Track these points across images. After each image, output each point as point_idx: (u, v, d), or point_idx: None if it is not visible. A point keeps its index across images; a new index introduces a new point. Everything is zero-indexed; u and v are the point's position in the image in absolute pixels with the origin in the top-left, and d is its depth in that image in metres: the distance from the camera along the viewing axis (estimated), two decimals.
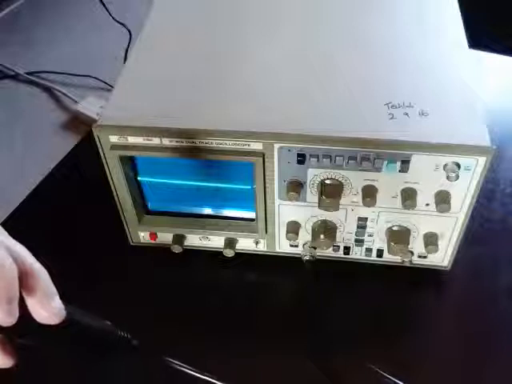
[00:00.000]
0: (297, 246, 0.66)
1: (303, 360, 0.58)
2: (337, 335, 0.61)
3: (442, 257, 0.64)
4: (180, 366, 0.51)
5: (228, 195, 0.63)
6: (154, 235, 0.67)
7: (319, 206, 0.58)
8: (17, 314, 0.35)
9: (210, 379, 0.52)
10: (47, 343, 0.41)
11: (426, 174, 0.55)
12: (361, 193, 0.58)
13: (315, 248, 0.64)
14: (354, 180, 0.57)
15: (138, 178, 0.63)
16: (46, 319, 0.37)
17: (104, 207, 0.65)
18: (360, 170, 0.56)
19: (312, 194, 0.59)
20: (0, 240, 0.36)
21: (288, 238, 0.64)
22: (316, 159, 0.55)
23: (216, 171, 0.61)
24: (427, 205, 0.58)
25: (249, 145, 0.56)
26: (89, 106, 1.39)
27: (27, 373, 0.51)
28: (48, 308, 0.37)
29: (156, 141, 0.57)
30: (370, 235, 0.63)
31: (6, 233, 0.38)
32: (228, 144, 0.56)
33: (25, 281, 0.36)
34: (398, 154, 0.54)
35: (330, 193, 0.57)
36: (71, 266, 0.67)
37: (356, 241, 0.64)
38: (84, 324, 0.43)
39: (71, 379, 0.58)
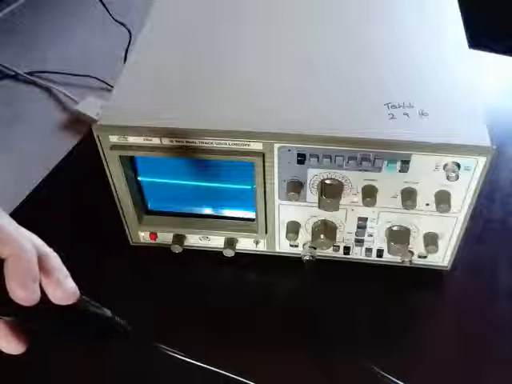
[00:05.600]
0: (297, 246, 0.66)
1: (303, 360, 0.59)
2: (337, 335, 0.61)
3: (442, 257, 0.64)
4: (174, 352, 0.50)
5: (228, 195, 0.63)
6: (153, 235, 0.67)
7: (319, 206, 0.58)
8: (39, 293, 0.36)
9: (204, 365, 0.51)
10: (45, 327, 0.42)
11: (426, 173, 0.55)
12: (361, 193, 0.58)
13: (315, 248, 0.64)
14: (354, 180, 0.57)
15: (138, 178, 0.63)
16: (61, 299, 0.39)
17: (104, 207, 0.65)
18: (360, 170, 0.56)
19: (312, 194, 0.59)
20: (15, 227, 0.37)
21: (288, 238, 0.64)
22: (316, 159, 0.55)
23: (216, 171, 0.61)
24: (427, 205, 0.58)
25: (249, 145, 0.56)
26: (89, 105, 1.40)
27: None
28: (64, 288, 0.38)
29: (156, 141, 0.57)
30: (370, 235, 0.63)
31: (15, 221, 0.39)
32: (228, 144, 0.56)
33: (40, 263, 0.37)
34: (398, 154, 0.54)
35: (330, 193, 0.57)
36: (71, 266, 0.67)
37: (356, 241, 0.64)
38: (86, 310, 0.43)
39: (65, 364, 0.59)
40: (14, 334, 0.39)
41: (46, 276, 0.38)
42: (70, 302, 0.39)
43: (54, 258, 0.39)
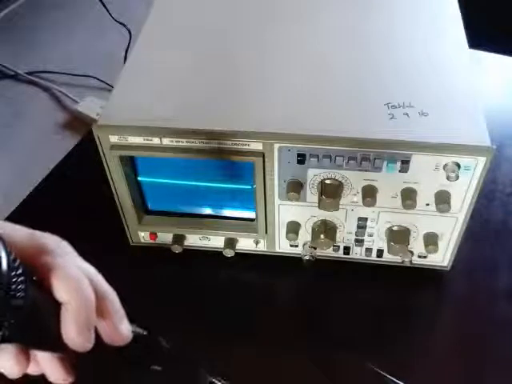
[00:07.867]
0: (297, 246, 0.66)
1: (303, 360, 0.59)
2: (337, 335, 0.61)
3: (442, 257, 0.64)
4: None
5: (228, 195, 0.63)
6: (153, 235, 0.67)
7: (319, 206, 0.58)
8: (93, 340, 0.35)
9: None
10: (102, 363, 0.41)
11: (426, 173, 0.55)
12: (361, 193, 0.58)
13: (315, 248, 0.64)
14: (354, 180, 0.57)
15: (138, 178, 0.63)
16: (115, 341, 0.37)
17: (104, 207, 0.65)
18: (360, 170, 0.56)
19: (312, 194, 0.59)
20: (73, 261, 0.36)
21: (288, 238, 0.64)
22: (316, 159, 0.55)
23: (216, 171, 0.61)
24: (427, 205, 0.58)
25: (249, 145, 0.56)
26: (89, 105, 1.39)
27: None
28: (119, 333, 0.37)
29: (156, 141, 0.57)
30: (370, 235, 0.63)
31: (76, 253, 0.37)
32: (228, 144, 0.56)
33: (98, 304, 0.36)
34: (398, 154, 0.54)
35: (330, 193, 0.57)
36: None
37: (356, 241, 0.64)
38: (135, 339, 0.41)
39: None
40: (63, 367, 0.38)
41: (103, 318, 0.36)
42: (123, 343, 0.38)
43: (112, 300, 0.37)
